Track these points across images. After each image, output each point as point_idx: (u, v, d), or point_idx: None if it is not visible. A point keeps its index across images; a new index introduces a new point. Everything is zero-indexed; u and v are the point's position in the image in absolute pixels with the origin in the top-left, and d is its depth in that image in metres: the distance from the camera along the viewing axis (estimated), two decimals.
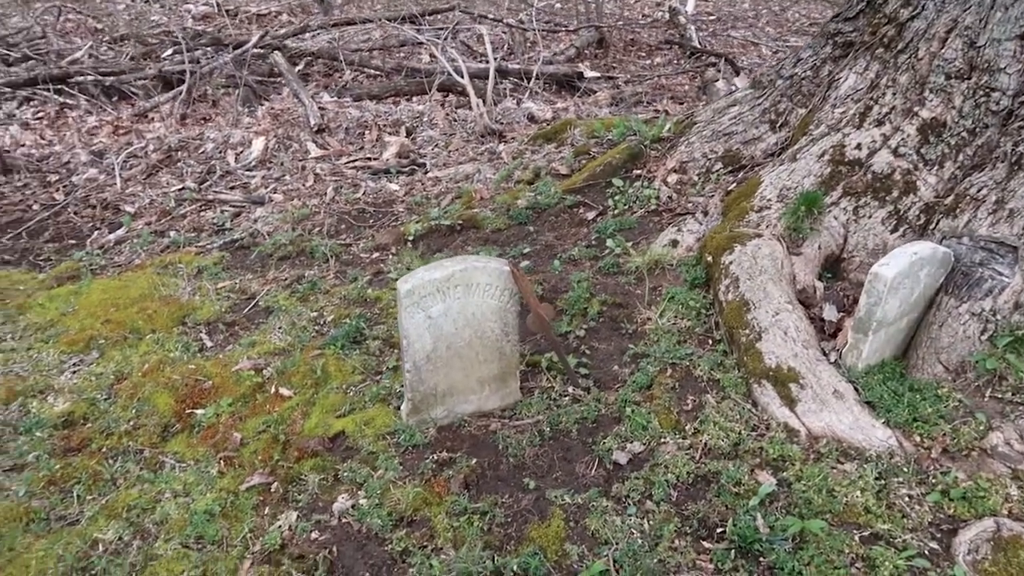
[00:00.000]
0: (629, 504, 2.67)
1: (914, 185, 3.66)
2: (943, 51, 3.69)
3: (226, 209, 5.37)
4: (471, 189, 5.31)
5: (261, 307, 4.03)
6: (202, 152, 6.41)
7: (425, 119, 7.15)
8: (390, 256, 4.52)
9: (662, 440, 2.94)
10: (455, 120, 7.18)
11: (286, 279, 4.29)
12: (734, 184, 4.47)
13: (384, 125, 6.99)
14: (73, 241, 5.07)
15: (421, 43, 8.90)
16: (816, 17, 11.70)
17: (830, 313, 3.44)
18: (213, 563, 2.51)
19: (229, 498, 2.76)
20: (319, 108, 7.14)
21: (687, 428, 3.00)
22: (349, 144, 6.63)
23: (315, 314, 3.89)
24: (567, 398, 3.19)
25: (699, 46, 9.61)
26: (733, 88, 7.33)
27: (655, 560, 2.44)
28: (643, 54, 10.05)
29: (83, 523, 2.69)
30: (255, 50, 8.16)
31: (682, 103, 7.75)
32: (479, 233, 4.69)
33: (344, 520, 2.66)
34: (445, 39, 8.62)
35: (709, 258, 3.81)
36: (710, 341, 3.49)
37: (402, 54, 9.34)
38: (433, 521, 2.63)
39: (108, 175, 6.00)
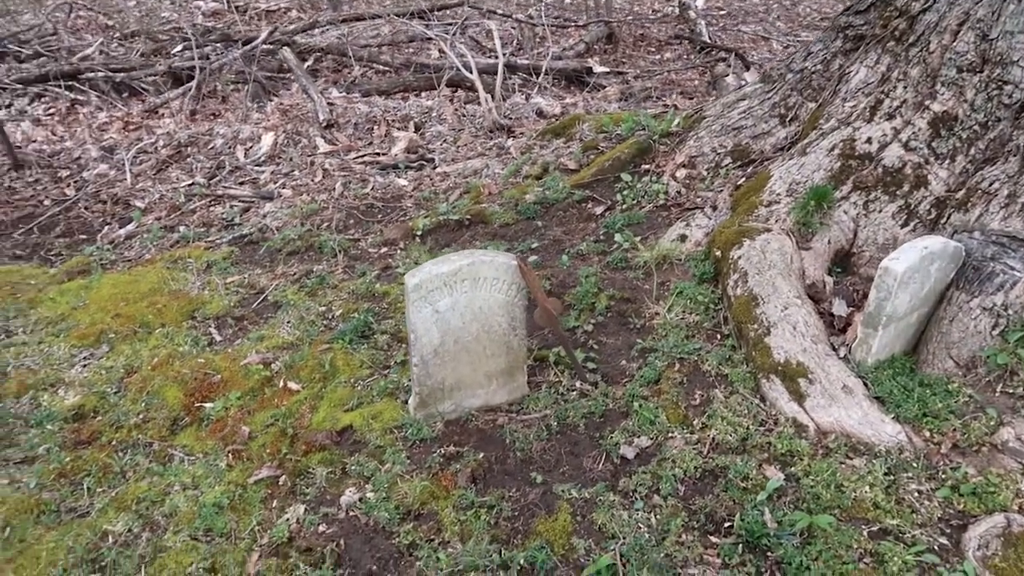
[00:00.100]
0: (636, 498, 2.67)
1: (925, 179, 3.63)
2: (955, 44, 3.66)
3: (235, 204, 5.39)
4: (479, 184, 5.31)
5: (270, 302, 4.04)
6: (212, 148, 6.44)
7: (434, 114, 7.15)
8: (398, 251, 4.53)
9: (670, 435, 2.93)
10: (464, 115, 7.17)
11: (295, 274, 4.30)
12: (743, 179, 4.44)
13: (393, 120, 6.99)
14: (84, 236, 5.10)
15: (430, 38, 8.90)
16: (827, 11, 11.63)
17: (839, 308, 3.42)
18: (221, 555, 2.52)
19: (237, 491, 2.78)
20: (328, 104, 7.15)
21: (695, 423, 2.99)
22: (358, 139, 6.64)
23: (323, 309, 3.90)
24: (574, 392, 3.18)
25: (709, 41, 9.56)
26: (743, 83, 7.29)
27: (662, 554, 2.43)
28: (653, 49, 10.01)
29: (93, 515, 2.71)
30: (264, 46, 8.18)
31: (692, 98, 7.72)
32: (487, 228, 4.69)
33: (351, 513, 2.67)
34: (454, 34, 8.61)
35: (718, 253, 3.79)
36: (718, 336, 3.48)
37: (411, 49, 9.34)
38: (440, 515, 2.64)
39: (118, 171, 6.03)
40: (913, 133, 3.71)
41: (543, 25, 9.54)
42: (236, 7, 10.86)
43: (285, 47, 8.19)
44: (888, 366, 3.14)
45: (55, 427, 3.15)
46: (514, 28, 9.68)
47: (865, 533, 2.48)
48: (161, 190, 5.67)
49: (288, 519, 2.66)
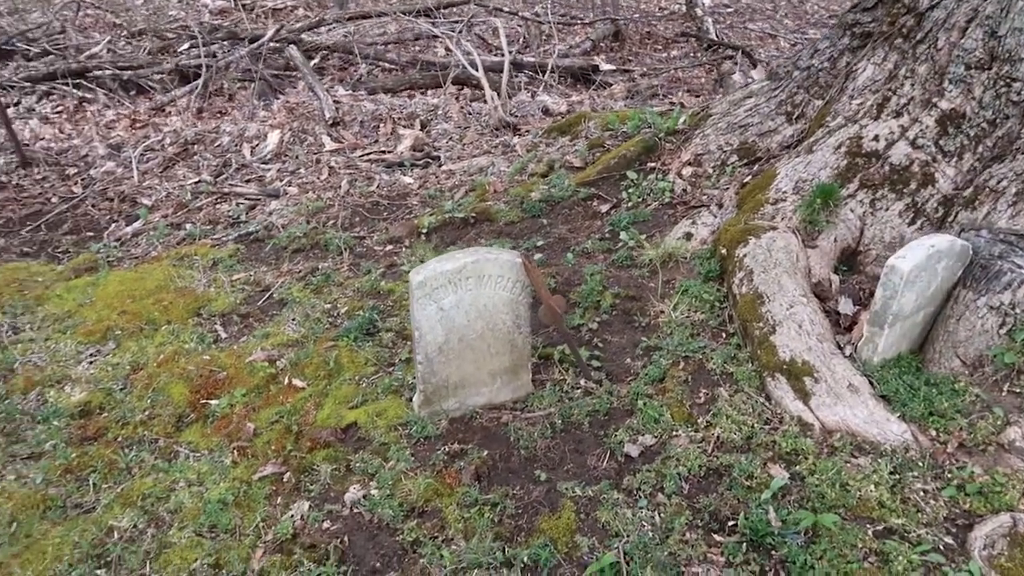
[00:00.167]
0: (640, 497, 2.66)
1: (932, 177, 3.61)
2: (963, 41, 3.63)
3: (241, 202, 5.41)
4: (485, 182, 5.31)
5: (275, 299, 4.05)
6: (218, 145, 6.45)
7: (440, 112, 7.15)
8: (404, 249, 4.53)
9: (674, 433, 2.93)
10: (470, 113, 7.17)
11: (300, 271, 4.31)
12: (749, 176, 4.43)
13: (399, 118, 6.99)
14: (91, 233, 5.12)
15: (436, 36, 8.90)
16: (835, 9, 11.58)
17: (845, 306, 3.41)
18: (226, 551, 2.53)
19: (242, 487, 2.78)
20: (334, 101, 7.16)
21: (699, 421, 2.98)
22: (364, 137, 6.64)
23: (329, 306, 3.91)
24: (579, 391, 3.18)
25: (716, 39, 9.54)
26: (750, 81, 7.27)
27: (666, 553, 2.43)
28: (659, 47, 9.99)
29: (98, 511, 2.72)
30: (271, 44, 8.20)
31: (698, 96, 7.70)
32: (493, 226, 4.69)
33: (356, 510, 2.67)
34: (460, 32, 8.60)
35: (723, 251, 3.78)
36: (724, 334, 3.47)
37: (417, 47, 9.34)
38: (444, 512, 2.64)
39: (125, 168, 6.05)
40: (920, 131, 3.69)
41: (549, 23, 9.53)
42: (243, 5, 10.89)
43: (291, 45, 8.20)
44: (894, 365, 3.13)
45: (61, 423, 3.16)
46: (520, 26, 9.68)
47: (870, 532, 2.47)
48: (168, 188, 5.68)
49: (292, 516, 2.66)
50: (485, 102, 7.06)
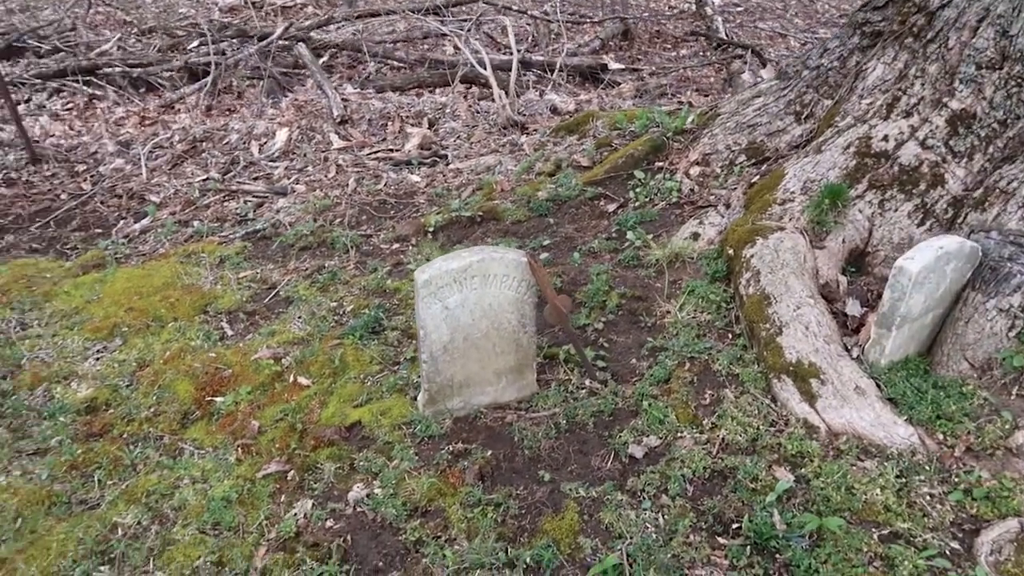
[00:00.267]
0: (644, 498, 2.65)
1: (942, 178, 3.58)
2: (974, 40, 3.60)
3: (249, 199, 5.41)
4: (492, 181, 5.30)
5: (281, 297, 4.06)
6: (226, 143, 6.47)
7: (448, 111, 7.14)
8: (410, 247, 4.53)
9: (679, 434, 2.91)
10: (478, 112, 7.16)
11: (307, 269, 4.32)
12: (757, 176, 4.40)
13: (407, 117, 6.99)
14: (99, 230, 5.14)
15: (445, 35, 8.89)
16: (846, 8, 11.50)
17: (853, 308, 3.39)
18: (229, 549, 2.53)
19: (246, 485, 2.79)
20: (342, 99, 7.16)
21: (704, 423, 2.97)
22: (371, 135, 6.65)
23: (335, 304, 3.91)
24: (584, 391, 3.17)
25: (726, 38, 9.49)
26: (759, 80, 7.23)
27: (669, 555, 2.42)
28: (669, 46, 9.95)
29: (103, 507, 2.73)
30: (280, 42, 8.21)
31: (707, 95, 7.67)
32: (499, 225, 4.68)
33: (359, 509, 2.67)
34: (469, 30, 8.59)
35: (730, 251, 3.76)
36: (730, 335, 3.45)
37: (426, 46, 9.33)
38: (447, 512, 2.64)
39: (134, 165, 6.07)
40: (930, 131, 3.66)
41: (558, 21, 9.51)
42: (253, 3, 10.91)
43: (300, 43, 8.21)
44: (902, 367, 3.11)
45: (67, 419, 3.17)
46: (529, 24, 9.66)
47: (876, 536, 2.46)
48: (176, 185, 5.70)
49: (296, 514, 2.66)
50: (493, 101, 7.05)
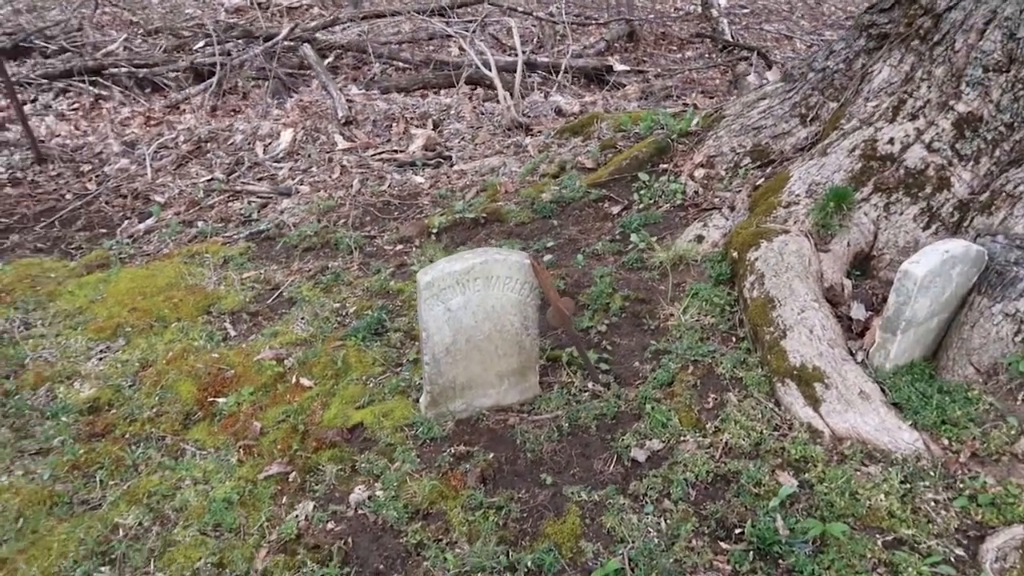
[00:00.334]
0: (646, 502, 2.64)
1: (948, 181, 3.56)
2: (981, 43, 3.58)
3: (253, 200, 5.42)
4: (496, 182, 5.29)
5: (285, 297, 4.05)
6: (231, 143, 6.48)
7: (452, 112, 7.14)
8: (414, 248, 4.52)
9: (682, 438, 2.90)
10: (482, 113, 7.16)
11: (310, 270, 4.31)
12: (762, 179, 4.39)
13: (411, 118, 6.99)
14: (104, 230, 5.15)
15: (450, 36, 8.90)
16: (852, 10, 11.48)
17: (858, 312, 3.37)
18: (230, 550, 2.53)
19: (247, 487, 2.78)
20: (347, 100, 7.17)
21: (708, 426, 2.95)
22: (376, 136, 6.65)
23: (338, 305, 3.91)
24: (587, 394, 3.16)
25: (731, 40, 9.48)
26: (764, 82, 7.21)
27: (671, 559, 2.40)
28: (674, 48, 9.94)
29: (105, 508, 2.73)
30: (285, 43, 8.22)
31: (712, 97, 7.65)
32: (503, 226, 4.67)
33: (360, 511, 2.67)
34: (474, 32, 8.59)
35: (734, 254, 3.74)
36: (734, 339, 3.44)
37: (431, 47, 9.34)
38: (449, 515, 2.63)
39: (139, 165, 6.09)
40: (936, 134, 3.64)
41: (563, 23, 9.50)
42: (258, 4, 10.93)
43: (306, 44, 8.22)
44: (907, 372, 3.08)
45: (70, 419, 3.18)
46: (534, 26, 9.65)
47: (879, 542, 2.44)
48: (180, 185, 5.71)
49: (297, 516, 2.66)
50: (498, 102, 7.04)
